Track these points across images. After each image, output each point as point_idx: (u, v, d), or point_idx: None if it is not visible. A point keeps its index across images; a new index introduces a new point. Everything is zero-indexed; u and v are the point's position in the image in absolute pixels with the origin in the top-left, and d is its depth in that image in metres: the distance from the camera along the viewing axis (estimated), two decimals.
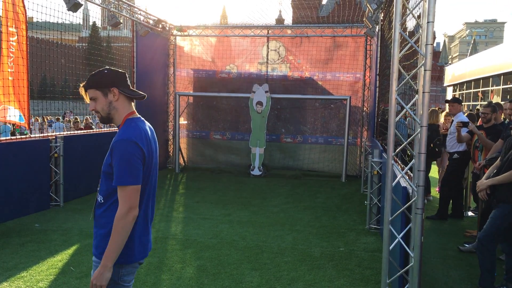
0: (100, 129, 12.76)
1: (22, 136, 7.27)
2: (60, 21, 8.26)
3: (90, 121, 18.96)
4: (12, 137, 7.02)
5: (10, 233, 5.97)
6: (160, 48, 11.64)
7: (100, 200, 2.30)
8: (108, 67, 2.38)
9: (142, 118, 2.42)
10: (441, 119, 8.81)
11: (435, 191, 8.98)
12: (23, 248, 5.37)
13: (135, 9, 10.13)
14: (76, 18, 8.42)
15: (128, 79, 2.39)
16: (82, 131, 11.03)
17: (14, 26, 6.95)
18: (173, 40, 12.18)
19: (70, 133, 8.83)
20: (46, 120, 19.68)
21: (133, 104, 2.41)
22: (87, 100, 2.34)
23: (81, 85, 2.34)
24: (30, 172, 6.99)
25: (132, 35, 10.28)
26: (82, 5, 7.81)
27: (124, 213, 2.15)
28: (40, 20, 7.75)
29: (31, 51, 7.50)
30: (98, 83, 2.29)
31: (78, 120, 16.61)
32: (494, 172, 4.39)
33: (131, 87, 2.39)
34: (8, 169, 6.55)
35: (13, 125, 16.79)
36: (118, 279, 2.27)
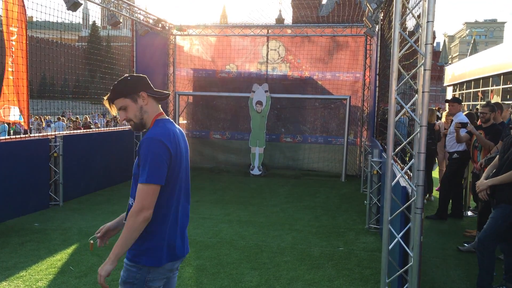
0: (98, 129, 12.74)
1: (22, 136, 7.26)
2: (59, 21, 8.26)
3: (89, 120, 18.96)
4: (12, 137, 7.02)
5: (10, 232, 5.96)
6: (160, 47, 11.64)
7: (131, 203, 2.26)
8: (128, 74, 2.36)
9: (171, 120, 2.39)
10: (443, 119, 8.82)
11: (434, 191, 8.98)
12: (23, 248, 5.36)
13: (135, 9, 10.13)
14: (75, 17, 8.41)
15: (149, 82, 2.37)
16: (81, 131, 11.03)
17: (13, 25, 6.95)
18: (173, 40, 12.18)
19: (70, 133, 8.83)
20: (43, 120, 19.64)
21: (160, 105, 2.39)
22: (114, 112, 2.32)
23: (105, 98, 2.32)
24: (30, 171, 6.98)
25: (132, 34, 10.28)
26: (81, 4, 7.81)
27: (136, 212, 2.11)
28: (39, 20, 7.74)
29: (30, 50, 7.50)
30: (126, 91, 2.27)
31: (78, 120, 16.60)
32: (494, 172, 4.38)
33: (154, 89, 2.37)
34: (7, 168, 6.55)
35: (9, 124, 16.80)
36: (145, 283, 2.22)
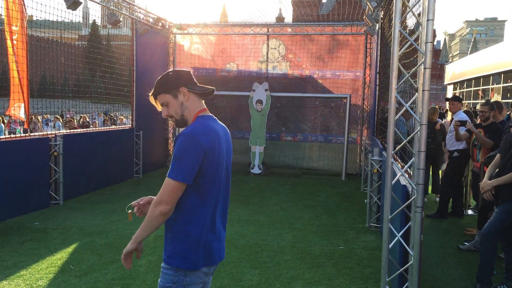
0: (96, 128, 12.73)
1: (22, 135, 7.27)
2: (60, 19, 8.25)
3: (88, 119, 18.90)
4: (12, 136, 7.03)
5: (10, 232, 5.97)
6: (160, 46, 11.63)
7: None
8: (172, 69, 2.31)
9: (215, 117, 2.32)
10: (449, 117, 8.81)
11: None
12: (23, 247, 5.37)
13: (135, 7, 10.12)
14: (75, 16, 8.41)
15: (193, 76, 2.30)
16: (81, 130, 11.04)
17: (15, 24, 6.96)
18: (173, 38, 12.17)
19: (70, 132, 8.83)
20: (39, 119, 19.63)
21: (203, 101, 2.31)
22: (159, 108, 2.27)
23: (150, 94, 2.27)
24: (30, 170, 6.99)
25: (132, 33, 10.26)
26: (81, 3, 7.81)
27: (155, 203, 2.07)
28: (39, 18, 7.74)
29: (30, 49, 7.50)
30: (167, 87, 2.22)
31: (73, 119, 16.56)
32: (497, 171, 4.37)
33: (198, 84, 2.28)
34: (7, 167, 6.55)
35: (4, 123, 16.80)
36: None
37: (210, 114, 2.29)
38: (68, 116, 22.01)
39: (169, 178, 2.07)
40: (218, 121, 2.34)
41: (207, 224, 2.17)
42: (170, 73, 2.25)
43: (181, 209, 2.13)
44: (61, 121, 19.64)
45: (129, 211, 2.36)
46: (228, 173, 2.32)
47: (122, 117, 23.08)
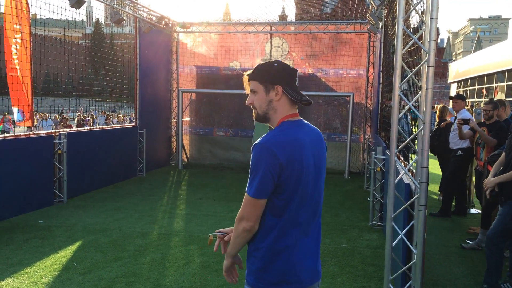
0: (91, 127, 12.75)
1: (26, 133, 7.30)
2: (63, 18, 8.28)
3: (82, 117, 18.74)
4: (16, 134, 7.05)
5: (14, 229, 6.00)
6: (163, 44, 11.64)
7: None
8: (279, 60, 2.07)
9: (304, 122, 2.05)
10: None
11: (436, 189, 8.95)
12: (27, 244, 5.40)
13: (138, 6, 10.13)
14: (79, 15, 8.45)
15: (297, 78, 2.05)
16: (85, 128, 11.08)
17: (18, 23, 6.97)
18: (176, 37, 12.18)
19: (74, 130, 8.86)
20: (35, 118, 19.53)
21: (296, 107, 2.05)
22: (248, 91, 2.07)
23: (246, 73, 2.06)
24: (34, 168, 7.02)
25: (135, 31, 10.28)
26: (85, 1, 7.82)
27: (237, 219, 1.96)
28: (43, 17, 7.77)
29: (34, 48, 7.52)
30: (263, 77, 1.99)
31: (67, 118, 16.50)
32: (501, 169, 4.36)
33: (298, 88, 2.03)
34: (12, 165, 6.58)
35: None
36: None
37: (299, 119, 2.04)
38: (65, 115, 21.90)
39: (246, 193, 1.94)
40: (309, 126, 2.08)
41: (289, 243, 1.97)
42: (275, 64, 2.01)
43: (259, 225, 1.97)
44: (47, 118, 19.34)
45: (211, 237, 2.19)
46: (319, 186, 2.08)
47: (120, 115, 22.99)
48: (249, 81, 2.05)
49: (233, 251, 2.05)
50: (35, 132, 7.55)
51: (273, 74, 1.98)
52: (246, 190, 1.94)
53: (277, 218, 1.94)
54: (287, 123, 1.99)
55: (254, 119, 2.13)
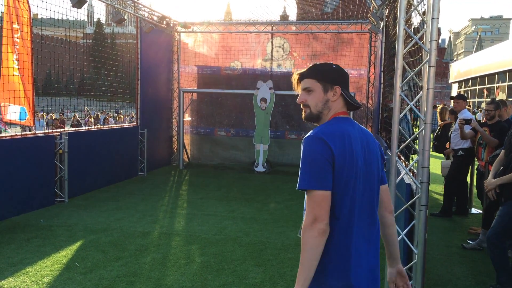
0: (89, 127, 12.76)
1: (27, 132, 7.30)
2: (64, 18, 8.29)
3: (77, 118, 18.68)
4: (17, 133, 7.05)
5: (15, 229, 6.01)
6: (164, 44, 11.65)
7: (303, 216, 1.92)
8: (335, 64, 2.09)
9: (354, 121, 2.05)
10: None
11: (439, 189, 8.95)
12: (28, 244, 5.40)
13: (139, 6, 10.14)
14: (80, 14, 8.44)
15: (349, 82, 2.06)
16: (86, 128, 11.08)
17: (17, 22, 6.96)
18: (177, 37, 12.19)
19: (75, 130, 8.87)
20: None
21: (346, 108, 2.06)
22: (298, 90, 2.05)
23: (297, 72, 2.04)
24: (35, 168, 7.03)
25: (137, 31, 10.29)
26: (86, 1, 7.83)
27: (309, 224, 1.76)
28: (44, 17, 7.77)
29: (35, 47, 7.51)
30: (323, 76, 1.98)
31: (57, 119, 16.45)
32: (501, 169, 4.36)
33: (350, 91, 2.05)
34: (13, 165, 6.59)
35: None
36: None
37: (348, 117, 2.03)
38: (63, 114, 21.86)
39: (310, 189, 1.80)
40: (359, 125, 2.05)
41: (339, 251, 1.85)
42: (334, 66, 2.03)
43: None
44: (40, 117, 19.24)
45: None
46: (372, 187, 1.94)
47: (121, 115, 23.00)
48: (302, 79, 2.02)
49: (306, 274, 1.79)
50: (36, 132, 7.56)
51: (333, 74, 2.01)
52: (302, 186, 1.82)
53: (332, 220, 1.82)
54: (337, 118, 1.99)
55: (303, 118, 2.11)
